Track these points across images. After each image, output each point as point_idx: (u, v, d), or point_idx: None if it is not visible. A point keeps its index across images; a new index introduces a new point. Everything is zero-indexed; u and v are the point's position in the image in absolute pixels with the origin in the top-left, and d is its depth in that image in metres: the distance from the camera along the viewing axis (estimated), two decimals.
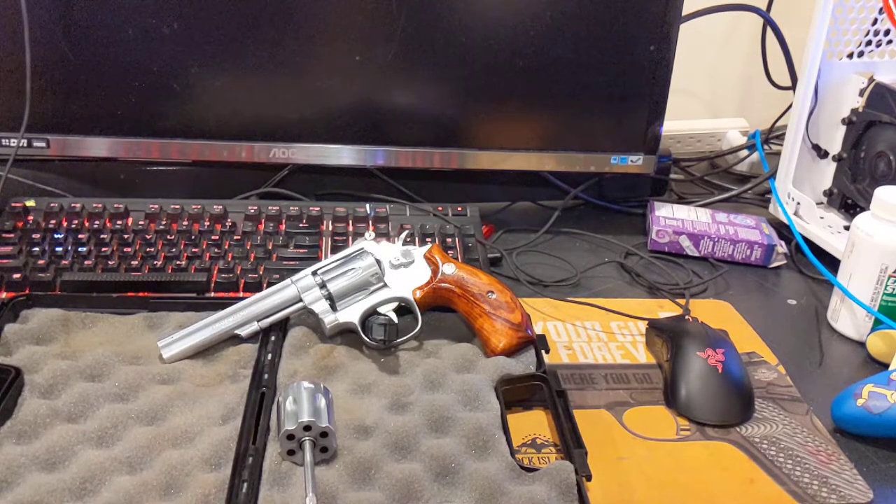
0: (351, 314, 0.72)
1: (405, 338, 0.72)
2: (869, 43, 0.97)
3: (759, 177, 1.12)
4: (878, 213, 0.80)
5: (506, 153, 0.97)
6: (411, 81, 0.93)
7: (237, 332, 0.71)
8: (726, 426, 0.70)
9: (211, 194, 0.95)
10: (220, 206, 0.90)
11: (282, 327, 0.73)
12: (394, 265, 0.75)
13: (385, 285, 0.74)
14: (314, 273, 0.73)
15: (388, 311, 0.73)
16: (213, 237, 0.87)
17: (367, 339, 0.71)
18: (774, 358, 0.80)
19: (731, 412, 0.71)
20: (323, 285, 0.72)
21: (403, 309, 0.74)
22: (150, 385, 0.67)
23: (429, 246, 0.77)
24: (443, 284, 0.74)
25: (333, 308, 0.72)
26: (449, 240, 0.90)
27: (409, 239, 0.82)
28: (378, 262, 0.74)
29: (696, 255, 0.98)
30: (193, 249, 0.84)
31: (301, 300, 0.72)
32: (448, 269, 0.75)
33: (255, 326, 0.71)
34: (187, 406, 0.65)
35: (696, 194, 1.13)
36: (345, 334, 0.73)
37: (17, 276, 0.79)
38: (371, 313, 0.73)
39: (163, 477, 0.58)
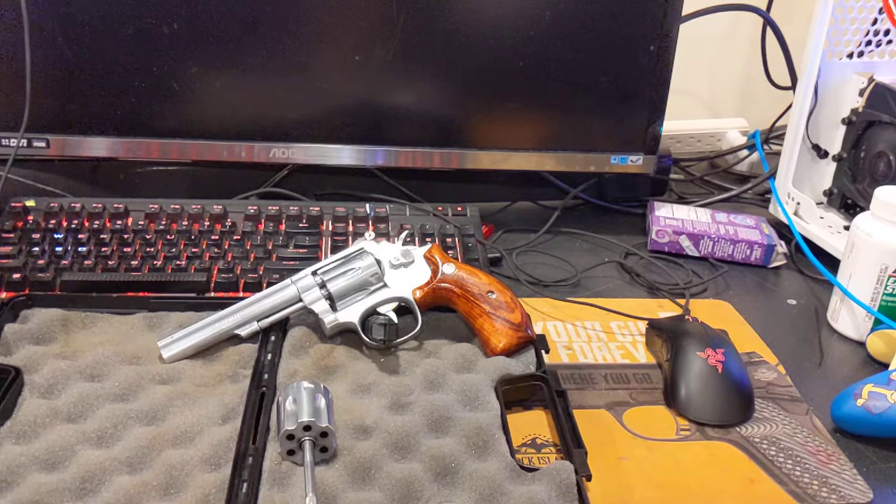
0: (351, 314, 0.72)
1: (405, 338, 0.72)
2: (869, 43, 0.97)
3: (759, 177, 1.12)
4: (878, 213, 0.80)
5: (506, 153, 0.97)
6: (411, 81, 0.93)
7: (237, 332, 0.71)
8: (726, 426, 0.70)
9: (211, 194, 0.95)
10: (220, 206, 0.90)
11: (282, 327, 0.73)
12: (394, 265, 0.75)
13: (385, 285, 0.74)
14: (314, 273, 0.73)
15: (388, 311, 0.73)
16: (212, 237, 0.87)
17: (367, 339, 0.71)
18: (774, 358, 0.80)
19: (731, 412, 0.71)
20: (323, 285, 0.72)
21: (403, 309, 0.74)
22: (149, 385, 0.67)
23: (429, 246, 0.77)
24: (443, 284, 0.74)
25: (333, 308, 0.72)
26: (449, 240, 0.89)
27: (409, 239, 0.82)
28: (378, 262, 0.74)
29: (696, 255, 0.98)
30: (193, 249, 0.84)
31: (301, 300, 0.72)
32: (448, 269, 0.75)
33: (254, 326, 0.71)
34: (187, 406, 0.65)
35: (696, 194, 1.13)
36: (345, 334, 0.73)
37: (17, 276, 0.79)
38: (371, 313, 0.73)
39: (163, 477, 0.58)
